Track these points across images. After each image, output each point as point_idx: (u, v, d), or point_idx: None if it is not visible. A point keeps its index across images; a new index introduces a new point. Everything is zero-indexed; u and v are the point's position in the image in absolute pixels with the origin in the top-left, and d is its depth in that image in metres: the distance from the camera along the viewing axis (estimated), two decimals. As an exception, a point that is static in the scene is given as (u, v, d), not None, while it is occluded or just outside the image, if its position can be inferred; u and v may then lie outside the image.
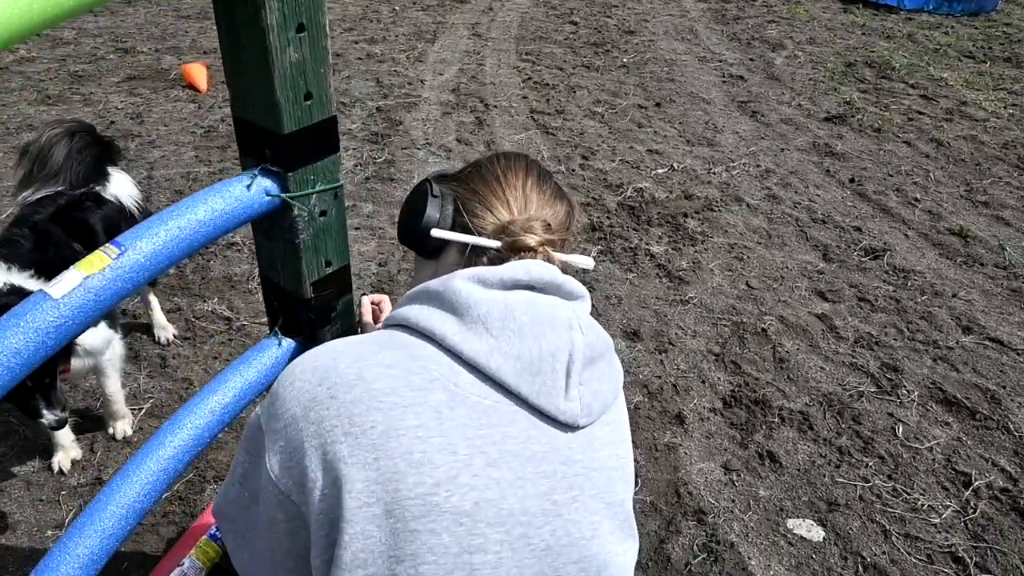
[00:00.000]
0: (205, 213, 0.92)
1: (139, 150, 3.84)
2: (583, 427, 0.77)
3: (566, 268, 0.89)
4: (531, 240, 0.84)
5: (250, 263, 2.82)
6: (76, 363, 1.75)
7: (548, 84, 4.92)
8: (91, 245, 1.78)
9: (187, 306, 2.54)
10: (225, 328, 2.45)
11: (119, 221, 1.91)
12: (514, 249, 0.84)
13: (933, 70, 5.33)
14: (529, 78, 5.04)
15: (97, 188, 1.94)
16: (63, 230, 1.76)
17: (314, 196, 1.03)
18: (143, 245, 0.87)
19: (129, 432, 2.01)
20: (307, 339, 1.15)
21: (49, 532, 1.75)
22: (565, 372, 0.75)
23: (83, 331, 0.83)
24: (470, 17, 6.64)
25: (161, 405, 2.11)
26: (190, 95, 4.57)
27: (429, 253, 0.91)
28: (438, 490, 0.66)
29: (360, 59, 5.27)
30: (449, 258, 0.90)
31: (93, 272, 0.83)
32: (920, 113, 4.58)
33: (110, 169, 2.03)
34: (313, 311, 1.12)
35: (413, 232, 0.89)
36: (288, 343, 1.15)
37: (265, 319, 2.51)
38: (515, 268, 0.79)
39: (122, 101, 4.43)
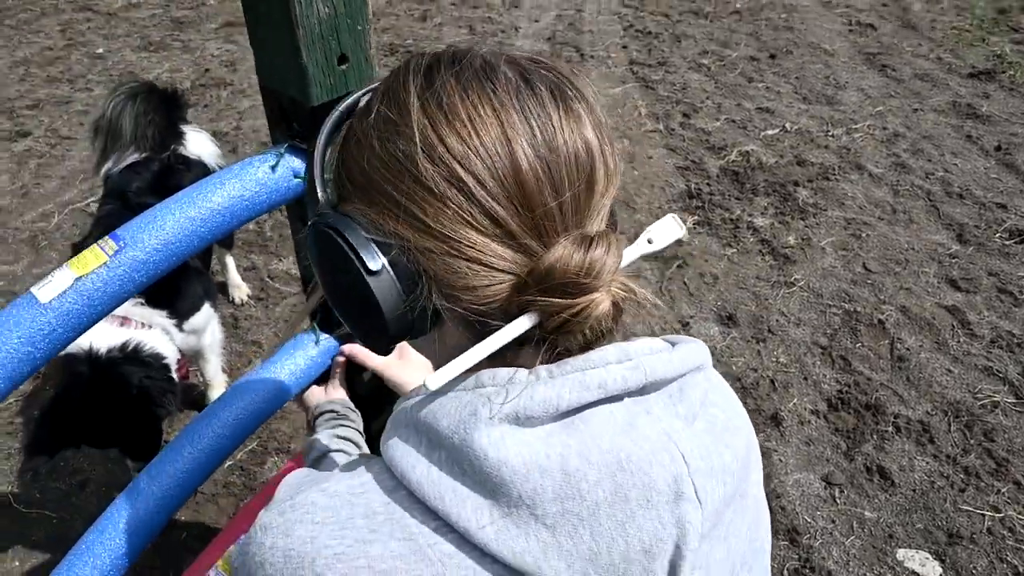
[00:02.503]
0: (222, 199, 0.79)
1: (230, 99, 3.84)
2: None
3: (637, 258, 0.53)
4: (601, 300, 0.47)
5: (328, 221, 2.75)
6: (181, 343, 1.69)
7: (651, 32, 4.56)
8: None
9: (263, 264, 2.50)
10: (298, 290, 2.39)
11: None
12: (569, 330, 0.48)
13: (1107, 17, 4.58)
14: (631, 25, 4.69)
15: (179, 149, 1.90)
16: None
17: (353, 178, 0.87)
18: (147, 239, 0.74)
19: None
20: (348, 336, 1.02)
21: (116, 492, 1.75)
22: (669, 569, 0.48)
23: (75, 339, 0.72)
24: (571, -42, 6.27)
25: (231, 368, 2.08)
26: (283, 42, 4.53)
27: (416, 334, 0.54)
28: None
29: (453, 4, 5.07)
30: (450, 335, 0.53)
31: (86, 272, 0.71)
32: (1088, 69, 3.94)
33: (183, 128, 1.98)
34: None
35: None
36: (325, 338, 1.02)
37: (338, 282, 2.44)
38: (581, 386, 0.47)
39: (218, 48, 4.44)
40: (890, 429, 1.91)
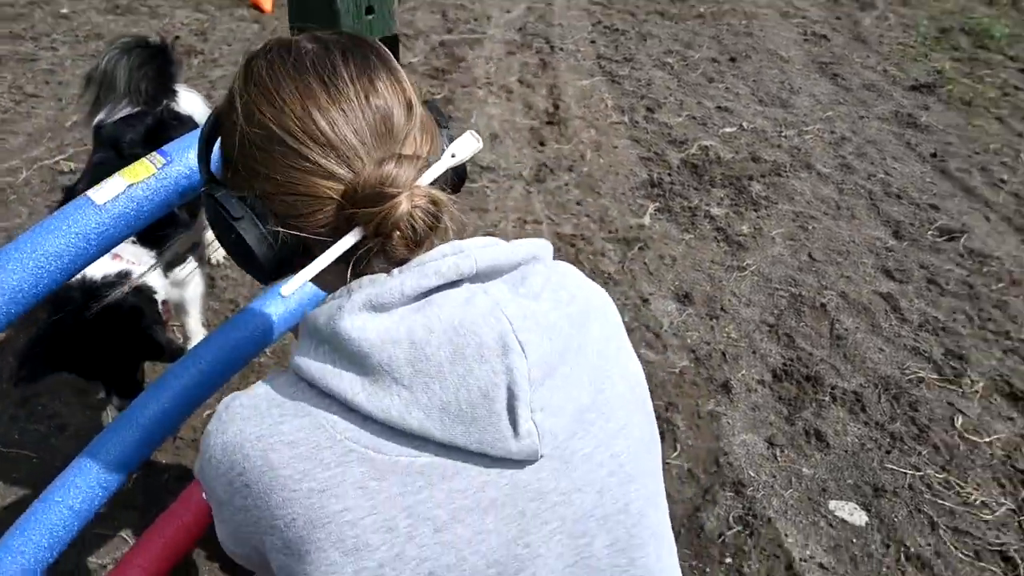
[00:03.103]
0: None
1: (201, 67, 3.83)
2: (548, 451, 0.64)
3: (447, 184, 0.66)
4: (401, 202, 0.59)
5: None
6: (168, 295, 1.74)
7: (618, 29, 4.72)
8: None
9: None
10: (273, 253, 2.46)
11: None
12: (386, 233, 0.60)
13: (1037, 42, 4.93)
14: (599, 22, 4.84)
15: (171, 105, 1.93)
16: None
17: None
18: (191, 157, 0.83)
19: (199, 338, 2.05)
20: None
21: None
22: (507, 409, 0.60)
23: (122, 241, 0.80)
24: (543, -46, 6.39)
25: (208, 325, 2.13)
26: (254, 15, 4.52)
27: (294, 268, 0.66)
28: (384, 571, 0.59)
29: (427, -10, 5.13)
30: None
31: (137, 181, 0.79)
32: (1017, 88, 4.25)
33: (176, 86, 2.02)
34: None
35: (264, 275, 0.67)
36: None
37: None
38: (420, 275, 0.60)
39: (187, 16, 4.41)
40: (827, 398, 2.08)
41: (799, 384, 2.13)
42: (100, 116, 1.91)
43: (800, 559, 1.67)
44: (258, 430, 0.62)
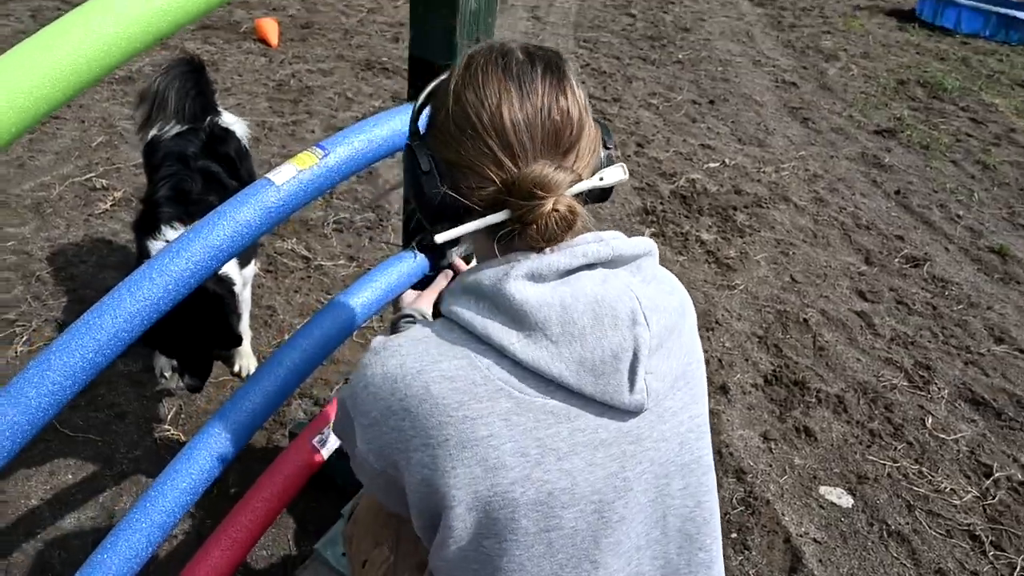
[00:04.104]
0: (387, 131, 1.08)
1: (218, 97, 4.01)
2: (649, 408, 0.78)
3: (593, 192, 0.79)
4: (546, 204, 0.73)
5: (323, 210, 2.99)
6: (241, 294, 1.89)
7: (605, 72, 5.05)
8: (237, 176, 1.97)
9: (267, 242, 2.72)
10: (304, 266, 2.63)
11: (243, 153, 2.09)
12: (527, 222, 0.74)
13: (985, 95, 5.40)
14: (587, 64, 5.16)
15: (217, 120, 2.12)
16: (219, 165, 1.95)
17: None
18: (341, 151, 1.03)
19: (253, 370, 2.16)
20: (438, 256, 1.31)
21: (154, 424, 1.94)
22: (629, 370, 0.74)
23: (292, 213, 0.99)
24: (529, 0, 6.77)
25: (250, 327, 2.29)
26: (262, 48, 4.74)
27: (453, 219, 0.79)
28: (514, 488, 0.72)
29: (424, 31, 5.42)
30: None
31: (304, 168, 0.99)
32: (968, 135, 4.66)
33: (219, 106, 2.21)
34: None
35: (428, 215, 0.81)
36: (421, 257, 1.31)
37: (340, 262, 2.69)
38: (567, 257, 0.74)
39: (197, 48, 4.61)
40: (813, 400, 2.32)
41: (788, 388, 2.36)
42: (154, 132, 2.09)
43: (796, 535, 1.87)
44: (419, 364, 0.74)
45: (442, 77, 0.82)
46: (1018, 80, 5.87)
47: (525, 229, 0.74)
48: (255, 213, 0.94)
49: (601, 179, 0.77)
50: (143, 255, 1.70)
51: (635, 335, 0.73)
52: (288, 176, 0.97)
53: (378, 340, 0.84)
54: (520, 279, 0.72)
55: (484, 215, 0.76)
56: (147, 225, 1.69)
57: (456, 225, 0.77)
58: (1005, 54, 6.55)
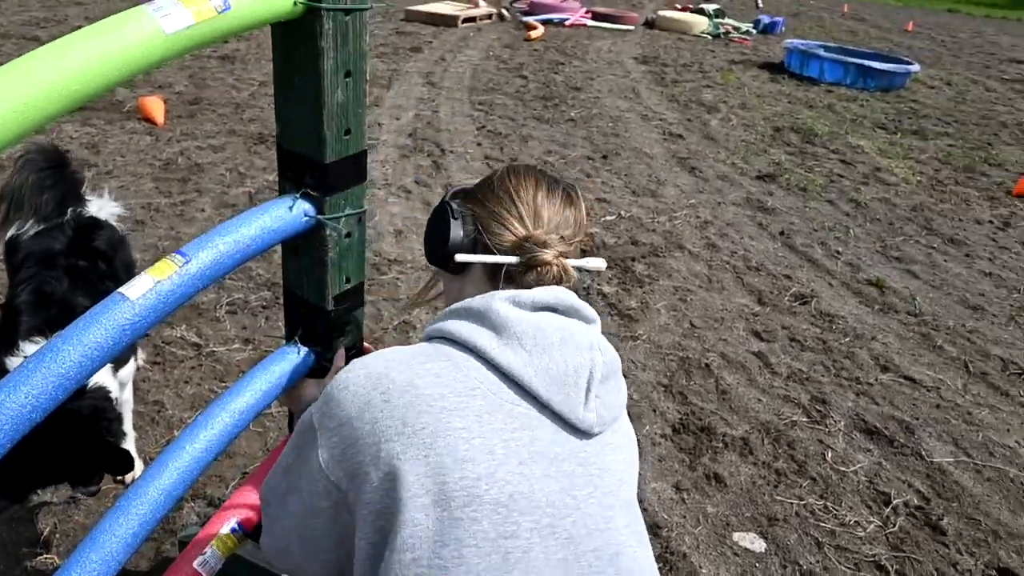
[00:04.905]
0: (255, 229, 1.04)
1: (96, 180, 3.84)
2: (596, 434, 0.87)
3: (579, 271, 0.98)
4: (548, 255, 0.93)
5: (216, 292, 2.87)
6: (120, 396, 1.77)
7: (501, 133, 5.17)
8: (111, 269, 1.85)
9: (155, 332, 2.58)
10: (195, 354, 2.50)
11: (116, 243, 1.97)
12: (531, 265, 0.93)
13: (851, 138, 5.86)
14: (483, 126, 5.28)
15: (82, 211, 2.00)
16: (88, 260, 1.83)
17: (343, 219, 1.16)
18: (204, 255, 0.98)
19: (138, 474, 1.99)
20: (324, 348, 1.27)
21: (24, 549, 1.76)
22: (586, 387, 0.85)
23: (148, 330, 0.93)
24: (424, 66, 6.90)
25: (135, 427, 2.14)
26: (147, 127, 4.60)
27: (456, 270, 0.99)
28: (479, 483, 0.77)
29: (318, 101, 5.41)
30: (474, 273, 0.99)
31: (163, 278, 0.94)
32: (840, 176, 5.03)
33: (85, 193, 2.08)
34: (331, 322, 1.24)
35: (440, 254, 0.98)
36: (305, 351, 1.26)
37: (235, 346, 2.58)
38: (544, 293, 0.90)
39: (76, 131, 4.42)
40: (720, 445, 2.37)
41: (695, 435, 2.41)
42: (12, 232, 1.94)
43: (715, 587, 1.88)
44: (404, 366, 0.84)
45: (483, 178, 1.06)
46: (878, 123, 6.42)
47: (528, 271, 0.93)
48: (106, 334, 0.87)
49: (583, 264, 0.99)
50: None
51: (591, 358, 0.87)
52: (144, 289, 0.91)
53: (356, 360, 0.89)
54: (504, 301, 0.88)
55: (493, 257, 0.96)
56: (4, 339, 1.56)
57: (457, 270, 0.99)
58: (865, 99, 7.17)
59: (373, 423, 0.79)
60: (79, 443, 1.47)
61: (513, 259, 0.94)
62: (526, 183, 0.99)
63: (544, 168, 1.08)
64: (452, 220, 0.98)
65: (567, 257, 0.97)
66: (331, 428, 0.82)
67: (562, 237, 0.96)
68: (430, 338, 0.92)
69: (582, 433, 0.86)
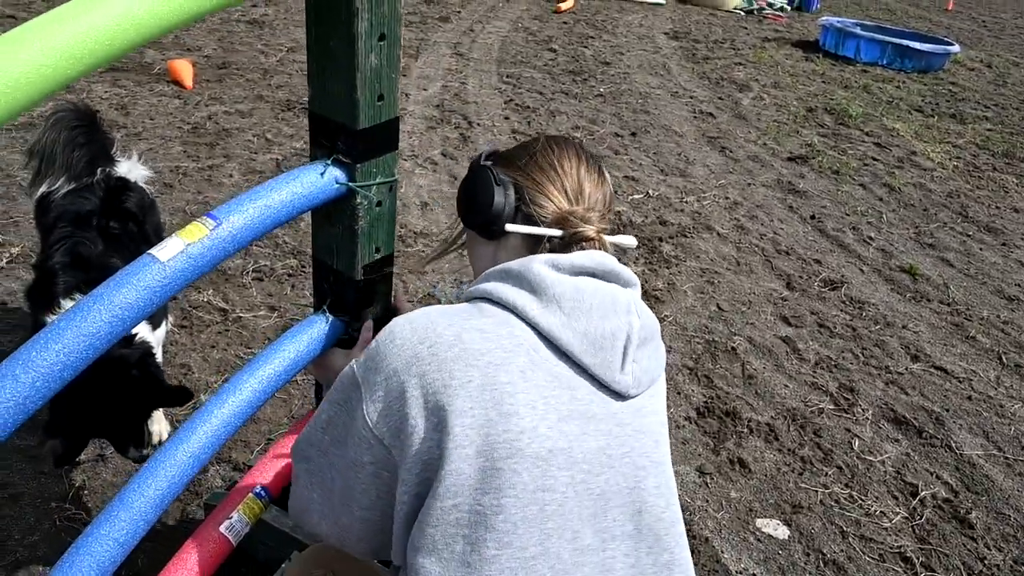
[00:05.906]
0: (286, 194, 1.02)
1: (124, 142, 3.84)
2: (633, 397, 0.89)
3: (615, 248, 0.99)
4: (591, 231, 0.95)
5: (242, 258, 2.87)
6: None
7: (529, 107, 5.10)
8: (141, 232, 1.85)
9: (182, 295, 2.59)
10: (222, 319, 2.51)
11: (147, 206, 1.97)
12: (576, 240, 0.94)
13: (886, 120, 5.71)
14: (511, 99, 5.21)
15: (111, 171, 1.98)
16: (119, 222, 1.83)
17: (374, 187, 1.14)
18: (235, 219, 0.97)
19: (166, 436, 2.01)
20: (352, 318, 1.25)
21: (53, 504, 1.78)
22: (623, 350, 0.87)
23: (180, 291, 0.92)
24: (452, 36, 6.81)
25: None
26: (175, 91, 4.59)
27: (493, 236, 0.99)
28: (522, 437, 0.79)
29: (346, 69, 5.36)
30: (511, 241, 0.99)
31: (193, 240, 0.92)
32: (874, 159, 4.90)
33: (115, 154, 2.07)
34: (361, 292, 1.22)
35: (482, 218, 0.98)
36: (334, 320, 1.25)
37: (261, 312, 2.58)
38: (583, 257, 0.90)
39: (106, 91, 4.42)
40: (745, 430, 2.34)
41: (720, 419, 2.37)
42: (43, 189, 1.94)
43: (736, 571, 1.86)
44: (448, 320, 0.85)
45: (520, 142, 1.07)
46: (915, 106, 6.24)
47: (568, 246, 0.94)
48: (137, 295, 0.86)
49: (616, 240, 1.01)
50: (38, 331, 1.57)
51: (629, 322, 0.88)
52: (175, 251, 0.90)
53: (401, 316, 0.90)
54: (543, 264, 0.88)
55: (541, 228, 0.97)
56: (42, 297, 1.56)
57: (498, 235, 0.99)
58: (902, 81, 6.96)
59: (421, 376, 0.80)
60: (136, 382, 1.47)
61: (558, 232, 0.95)
62: (568, 156, 1.00)
63: (582, 141, 1.08)
64: (495, 186, 0.98)
65: (606, 229, 0.99)
66: (377, 381, 0.83)
67: (603, 214, 0.99)
68: (471, 299, 0.92)
69: (618, 395, 0.88)
